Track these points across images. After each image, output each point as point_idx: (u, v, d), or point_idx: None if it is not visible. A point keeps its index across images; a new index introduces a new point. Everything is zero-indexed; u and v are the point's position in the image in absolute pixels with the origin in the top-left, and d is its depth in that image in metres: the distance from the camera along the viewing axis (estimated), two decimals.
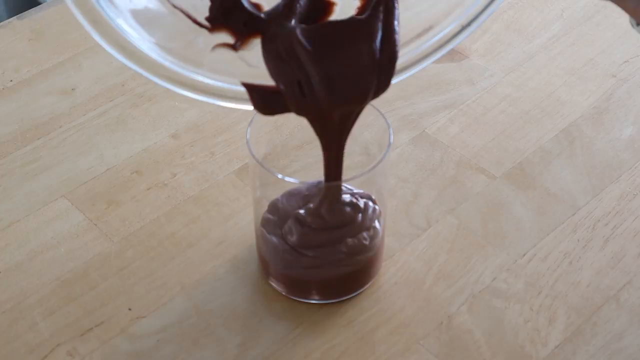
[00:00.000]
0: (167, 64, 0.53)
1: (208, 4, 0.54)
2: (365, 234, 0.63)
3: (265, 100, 0.54)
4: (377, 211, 0.64)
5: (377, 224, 0.64)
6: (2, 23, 0.90)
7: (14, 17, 0.90)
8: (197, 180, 0.75)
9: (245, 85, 0.54)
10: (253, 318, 0.65)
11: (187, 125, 0.79)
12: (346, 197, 0.63)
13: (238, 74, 0.54)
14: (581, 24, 0.90)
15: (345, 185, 0.64)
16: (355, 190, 0.64)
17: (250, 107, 0.55)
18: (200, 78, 0.54)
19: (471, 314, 0.65)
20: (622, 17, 0.89)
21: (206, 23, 0.54)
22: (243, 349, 0.63)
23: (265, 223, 0.64)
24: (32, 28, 0.89)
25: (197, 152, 0.77)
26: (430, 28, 0.55)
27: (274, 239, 0.63)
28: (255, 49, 0.54)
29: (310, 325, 0.64)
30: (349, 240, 0.63)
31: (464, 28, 0.54)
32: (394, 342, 0.63)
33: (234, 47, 0.54)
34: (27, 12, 0.91)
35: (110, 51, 0.52)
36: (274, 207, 0.64)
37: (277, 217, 0.64)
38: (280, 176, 0.62)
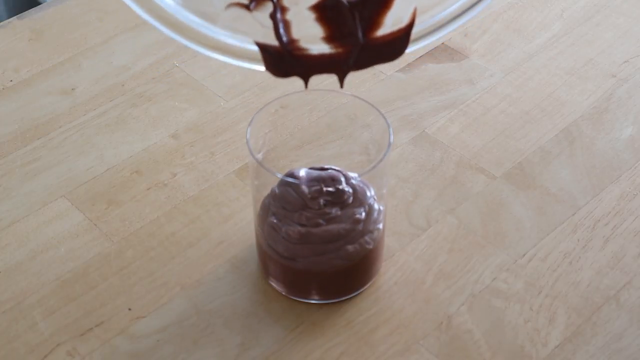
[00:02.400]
0: (180, 17, 0.53)
1: None
2: (367, 237, 0.63)
3: (278, 61, 0.54)
4: (382, 212, 0.64)
5: (380, 225, 0.64)
6: (2, 23, 0.90)
7: (14, 17, 0.90)
8: (197, 180, 0.75)
9: (259, 44, 0.53)
10: (253, 318, 0.65)
11: (187, 125, 0.79)
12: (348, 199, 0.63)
13: (251, 33, 0.54)
14: (581, 24, 0.90)
15: (353, 178, 0.64)
16: (359, 184, 0.64)
17: (262, 68, 0.54)
18: (213, 35, 0.54)
19: (471, 314, 0.65)
20: (622, 17, 0.89)
21: None
22: (243, 349, 0.63)
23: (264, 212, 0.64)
24: (32, 28, 0.89)
25: (197, 152, 0.77)
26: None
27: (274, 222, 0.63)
28: (269, 10, 0.53)
29: (310, 325, 0.64)
30: (349, 247, 0.63)
31: (476, 2, 0.54)
32: (394, 342, 0.63)
33: (247, 8, 0.54)
34: (27, 12, 0.91)
35: (129, 4, 0.52)
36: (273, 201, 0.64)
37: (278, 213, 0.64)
38: (280, 176, 0.62)
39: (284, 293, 0.66)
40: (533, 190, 0.74)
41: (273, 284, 0.66)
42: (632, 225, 0.71)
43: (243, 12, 0.53)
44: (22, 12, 0.91)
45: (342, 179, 0.64)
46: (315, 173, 0.65)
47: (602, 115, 0.80)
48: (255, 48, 0.54)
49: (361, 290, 0.66)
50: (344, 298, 0.66)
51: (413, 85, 0.83)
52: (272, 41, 0.53)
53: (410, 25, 0.53)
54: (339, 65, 0.54)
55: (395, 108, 0.81)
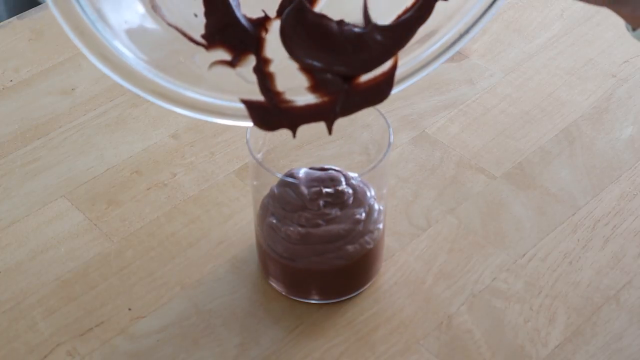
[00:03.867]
0: (164, 83, 0.53)
1: (203, 21, 0.54)
2: (367, 237, 0.63)
3: (265, 116, 0.54)
4: (382, 212, 0.64)
5: (380, 225, 0.64)
6: (2, 23, 0.90)
7: (14, 17, 0.90)
8: (197, 180, 0.75)
9: (245, 101, 0.54)
10: (253, 318, 0.65)
11: (187, 125, 0.79)
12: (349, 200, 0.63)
13: (236, 90, 0.54)
14: (581, 24, 0.90)
15: (353, 178, 0.64)
16: (360, 184, 0.64)
17: (250, 124, 0.55)
18: (198, 96, 0.54)
19: (471, 314, 0.65)
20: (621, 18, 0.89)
21: (202, 40, 0.54)
22: (243, 349, 0.63)
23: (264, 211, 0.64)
24: (32, 28, 0.89)
25: (197, 152, 0.77)
26: (433, 33, 0.55)
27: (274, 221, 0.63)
28: (252, 65, 0.54)
29: (310, 326, 0.64)
30: (349, 247, 0.63)
31: (466, 31, 0.54)
32: (394, 342, 0.63)
33: (231, 64, 0.54)
34: (27, 12, 0.91)
35: (111, 75, 0.52)
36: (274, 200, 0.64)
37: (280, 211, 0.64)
38: (280, 176, 0.62)
39: (284, 293, 0.66)
40: (533, 190, 0.74)
41: (273, 284, 0.66)
42: (632, 225, 0.71)
43: (226, 70, 0.54)
44: (22, 12, 0.91)
45: (342, 180, 0.64)
46: (315, 174, 0.65)
47: (602, 115, 0.80)
48: (241, 105, 0.54)
49: (361, 290, 0.66)
50: (344, 298, 0.66)
51: (413, 85, 0.83)
52: (257, 97, 0.54)
53: (393, 68, 0.54)
54: (325, 114, 0.55)
55: (395, 108, 0.81)
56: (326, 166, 0.66)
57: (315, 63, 0.52)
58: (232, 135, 0.78)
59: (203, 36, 0.53)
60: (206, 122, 0.79)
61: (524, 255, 0.69)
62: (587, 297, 0.66)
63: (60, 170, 0.76)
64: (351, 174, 0.64)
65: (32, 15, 0.91)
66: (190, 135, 0.78)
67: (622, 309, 0.65)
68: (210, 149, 0.77)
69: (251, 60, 0.54)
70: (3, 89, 0.83)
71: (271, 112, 0.54)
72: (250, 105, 0.54)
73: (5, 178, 0.75)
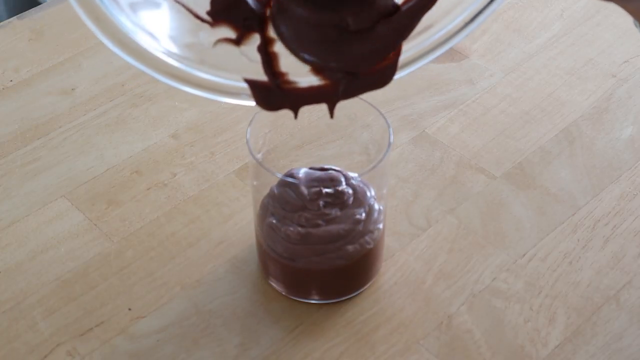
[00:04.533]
0: (168, 60, 0.53)
1: None
2: (367, 237, 0.63)
3: (267, 96, 0.54)
4: (382, 212, 0.64)
5: (380, 225, 0.64)
6: (2, 23, 0.90)
7: (14, 17, 0.90)
8: (197, 180, 0.75)
9: (248, 81, 0.54)
10: (253, 318, 0.65)
11: (187, 125, 0.79)
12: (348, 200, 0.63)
13: (240, 69, 0.54)
14: (581, 24, 0.90)
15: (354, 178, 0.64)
16: (360, 183, 0.64)
17: (252, 103, 0.55)
18: (201, 74, 0.54)
19: (471, 314, 0.65)
20: (622, 17, 0.89)
21: (207, 17, 0.54)
22: (243, 349, 0.63)
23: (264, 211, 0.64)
24: (32, 28, 0.89)
25: (197, 152, 0.77)
26: (430, 26, 0.55)
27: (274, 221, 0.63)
28: (256, 44, 0.54)
29: (310, 325, 0.64)
30: (349, 247, 0.63)
31: (464, 26, 0.54)
32: (394, 342, 0.63)
33: (236, 42, 0.54)
34: (27, 12, 0.91)
35: (113, 49, 0.52)
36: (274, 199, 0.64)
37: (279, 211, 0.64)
38: (280, 176, 0.62)
39: (284, 293, 0.66)
40: (533, 190, 0.74)
41: (273, 284, 0.66)
42: (632, 225, 0.71)
43: (231, 48, 0.54)
44: (22, 12, 0.91)
45: (342, 180, 0.64)
46: (315, 174, 0.65)
47: (602, 115, 0.80)
48: (243, 84, 0.54)
49: (361, 290, 0.66)
50: (344, 298, 0.66)
51: (413, 85, 0.83)
52: (260, 76, 0.54)
53: (397, 53, 0.54)
54: (327, 97, 0.55)
55: (395, 108, 0.81)
56: (326, 166, 0.66)
57: (315, 60, 0.53)
58: (232, 135, 0.78)
59: (208, 13, 0.54)
60: (206, 122, 0.79)
61: (524, 255, 0.69)
62: (587, 297, 0.66)
63: (60, 170, 0.76)
64: (351, 174, 0.64)
65: (32, 15, 0.91)
66: (190, 135, 0.78)
67: (622, 309, 0.65)
68: (210, 149, 0.77)
69: (255, 39, 0.54)
70: (3, 89, 0.83)
71: (274, 93, 0.54)
72: (254, 85, 0.54)
73: (5, 178, 0.75)
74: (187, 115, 0.80)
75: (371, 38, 0.52)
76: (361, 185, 0.64)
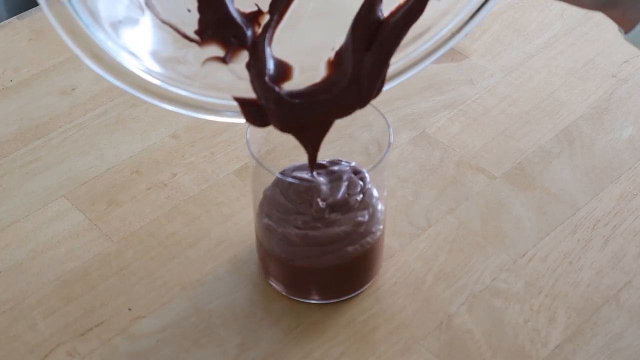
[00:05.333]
0: (156, 81, 0.53)
1: (197, 17, 0.53)
2: (368, 238, 0.63)
3: (258, 113, 0.54)
4: (382, 212, 0.64)
5: (380, 225, 0.64)
6: (2, 23, 0.90)
7: (14, 17, 0.90)
8: (197, 180, 0.75)
9: (237, 99, 0.54)
10: (253, 318, 0.65)
11: (187, 125, 0.79)
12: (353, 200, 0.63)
13: (229, 87, 0.54)
14: (581, 24, 0.90)
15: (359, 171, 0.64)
16: (367, 184, 0.64)
17: (242, 120, 0.55)
18: (191, 95, 0.54)
19: (471, 314, 0.65)
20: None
21: (195, 37, 0.54)
22: (243, 349, 0.63)
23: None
24: (32, 28, 0.89)
25: (197, 152, 0.77)
26: (428, 29, 0.55)
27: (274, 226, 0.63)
28: (245, 61, 0.54)
29: (310, 325, 0.64)
30: (350, 248, 0.63)
31: (462, 27, 0.54)
32: (394, 342, 0.63)
33: (224, 60, 0.54)
34: (27, 12, 0.91)
35: (103, 75, 0.52)
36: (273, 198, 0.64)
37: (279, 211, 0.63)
38: (280, 176, 0.62)
39: (284, 293, 0.66)
40: (533, 190, 0.74)
41: (273, 284, 0.66)
42: (632, 225, 0.71)
43: (219, 66, 0.54)
44: (22, 12, 0.91)
45: (359, 189, 0.63)
46: (325, 183, 0.63)
47: (602, 115, 0.80)
48: (233, 102, 0.54)
49: (361, 290, 0.66)
50: (344, 298, 0.66)
51: (413, 85, 0.83)
52: (250, 93, 0.54)
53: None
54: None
55: (395, 108, 0.81)
56: (340, 164, 0.65)
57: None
58: (232, 135, 0.78)
59: (196, 32, 0.53)
60: (206, 122, 0.79)
61: (524, 255, 0.69)
62: (587, 297, 0.66)
63: (60, 170, 0.76)
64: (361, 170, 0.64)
65: (32, 15, 0.91)
66: (190, 135, 0.78)
67: (622, 309, 0.65)
68: (210, 149, 0.77)
69: (244, 57, 0.54)
70: (3, 89, 0.83)
71: (264, 110, 0.54)
72: (243, 103, 0.54)
73: (5, 178, 0.75)
74: (187, 115, 0.80)
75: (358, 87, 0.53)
76: (369, 186, 0.63)
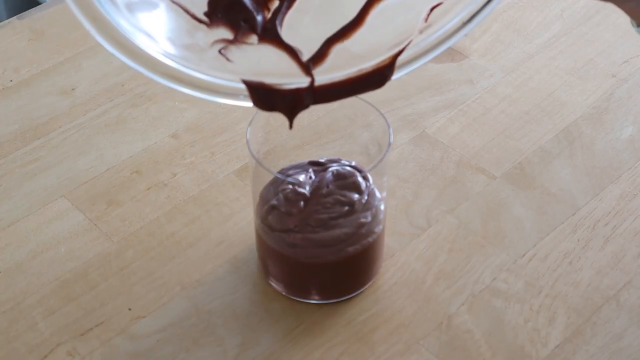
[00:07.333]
0: (166, 61, 0.53)
1: None
2: (368, 238, 0.63)
3: (265, 97, 0.54)
4: (382, 213, 0.64)
5: (380, 225, 0.64)
6: (2, 23, 0.90)
7: (14, 17, 0.90)
8: (197, 180, 0.75)
9: (245, 82, 0.54)
10: (253, 318, 0.65)
11: (187, 125, 0.79)
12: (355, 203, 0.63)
13: (237, 70, 0.54)
14: (581, 24, 0.90)
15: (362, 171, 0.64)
16: (371, 185, 0.64)
17: (250, 104, 0.55)
18: (199, 75, 0.54)
19: (471, 314, 0.65)
20: (622, 17, 0.89)
21: (205, 18, 0.54)
22: (243, 349, 0.63)
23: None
24: (32, 28, 0.89)
25: (197, 152, 0.77)
26: (429, 25, 0.55)
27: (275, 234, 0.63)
28: (254, 44, 0.54)
29: (310, 325, 0.64)
30: (350, 248, 0.63)
31: (463, 25, 0.54)
32: (394, 342, 0.63)
33: (233, 43, 0.54)
34: (27, 12, 0.91)
35: (109, 49, 0.52)
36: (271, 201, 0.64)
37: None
38: (280, 176, 0.62)
39: (284, 293, 0.66)
40: (533, 190, 0.74)
41: (273, 284, 0.66)
42: (632, 225, 0.71)
43: (233, 49, 0.54)
44: (22, 12, 0.91)
45: (365, 195, 0.63)
46: (332, 192, 0.63)
47: (602, 115, 0.80)
48: (240, 85, 0.54)
49: (361, 290, 0.66)
50: (344, 298, 0.66)
51: (413, 85, 0.83)
52: (258, 77, 0.54)
53: (396, 55, 0.54)
54: None
55: (395, 108, 0.81)
56: (349, 166, 0.65)
57: None
58: (232, 135, 0.78)
59: (205, 13, 0.54)
60: (206, 122, 0.79)
61: (524, 255, 0.69)
62: (587, 297, 0.66)
63: (60, 170, 0.76)
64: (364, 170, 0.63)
65: (32, 15, 0.91)
66: (190, 135, 0.78)
67: (622, 309, 0.65)
68: (210, 149, 0.77)
69: (253, 40, 0.54)
70: (3, 89, 0.83)
71: (271, 93, 0.54)
72: (251, 86, 0.54)
73: (5, 178, 0.75)
74: (187, 115, 0.80)
75: None
76: (371, 187, 0.63)
